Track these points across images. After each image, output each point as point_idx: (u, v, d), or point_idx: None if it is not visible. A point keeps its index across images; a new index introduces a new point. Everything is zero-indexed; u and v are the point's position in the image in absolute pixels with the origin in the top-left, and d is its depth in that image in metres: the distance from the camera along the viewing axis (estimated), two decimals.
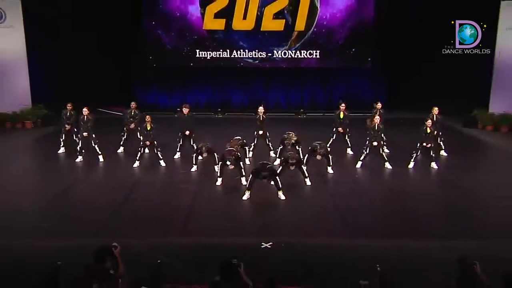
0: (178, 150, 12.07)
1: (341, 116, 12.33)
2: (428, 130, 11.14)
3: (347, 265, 6.65)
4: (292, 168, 9.64)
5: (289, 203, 9.14)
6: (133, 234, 7.70)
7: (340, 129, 12.34)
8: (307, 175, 10.15)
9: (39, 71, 16.94)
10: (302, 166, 10.19)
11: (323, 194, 9.79)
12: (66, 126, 12.25)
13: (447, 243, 7.38)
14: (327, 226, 8.21)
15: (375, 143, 11.23)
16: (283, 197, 9.26)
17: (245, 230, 8.07)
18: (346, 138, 12.46)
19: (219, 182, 10.13)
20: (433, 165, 11.25)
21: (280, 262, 6.70)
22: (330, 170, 10.96)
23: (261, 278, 5.04)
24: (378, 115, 11.89)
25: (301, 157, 10.69)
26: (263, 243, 7.23)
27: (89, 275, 4.97)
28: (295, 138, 11.25)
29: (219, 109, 18.56)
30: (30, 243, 7.30)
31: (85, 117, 11.72)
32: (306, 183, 10.11)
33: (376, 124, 11.34)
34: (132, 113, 12.72)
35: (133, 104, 12.90)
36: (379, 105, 12.77)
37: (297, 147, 11.24)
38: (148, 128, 11.35)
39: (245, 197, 9.27)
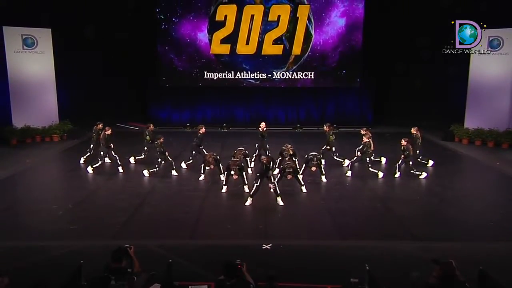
0: (191, 159, 11.99)
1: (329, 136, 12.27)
2: (402, 148, 11.31)
3: (339, 264, 6.63)
4: (289, 177, 9.61)
5: (287, 209, 9.10)
6: (147, 236, 7.68)
7: (327, 147, 12.35)
8: (303, 183, 10.11)
9: (66, 91, 17.01)
10: (298, 175, 10.15)
11: (317, 201, 9.72)
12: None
13: (427, 244, 7.36)
14: (321, 229, 8.17)
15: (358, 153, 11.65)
16: (281, 203, 9.23)
17: (248, 233, 8.02)
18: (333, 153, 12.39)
19: (224, 189, 10.10)
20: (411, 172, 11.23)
21: (279, 262, 6.66)
22: (323, 179, 10.94)
23: (262, 276, 5.01)
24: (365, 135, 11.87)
25: (297, 167, 10.66)
26: (263, 245, 7.21)
27: (108, 273, 4.95)
28: (292, 150, 11.24)
29: (224, 124, 18.57)
30: (57, 244, 7.28)
31: (107, 135, 11.84)
32: (302, 191, 10.06)
33: (364, 142, 11.42)
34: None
35: (151, 126, 12.91)
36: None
37: (293, 158, 11.21)
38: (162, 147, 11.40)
39: (247, 203, 9.24)
